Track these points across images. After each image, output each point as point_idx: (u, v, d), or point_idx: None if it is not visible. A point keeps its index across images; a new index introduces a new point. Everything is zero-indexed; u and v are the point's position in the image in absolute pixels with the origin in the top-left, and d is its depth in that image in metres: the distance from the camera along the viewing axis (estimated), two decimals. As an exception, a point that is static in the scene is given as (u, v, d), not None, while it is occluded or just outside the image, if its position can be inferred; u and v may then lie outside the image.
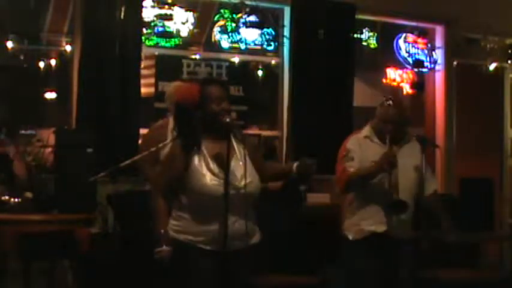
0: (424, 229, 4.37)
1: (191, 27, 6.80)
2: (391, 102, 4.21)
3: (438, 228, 4.30)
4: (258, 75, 7.56)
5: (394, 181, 4.02)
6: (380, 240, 4.11)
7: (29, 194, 5.19)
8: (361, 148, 4.17)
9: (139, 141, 5.19)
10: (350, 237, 4.17)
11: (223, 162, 3.26)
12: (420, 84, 8.09)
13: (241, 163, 3.27)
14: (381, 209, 4.10)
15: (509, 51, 8.21)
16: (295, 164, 3.47)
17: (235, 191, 3.23)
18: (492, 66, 7.97)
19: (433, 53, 7.86)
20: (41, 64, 7.37)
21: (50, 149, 5.61)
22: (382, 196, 4.06)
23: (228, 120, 3.29)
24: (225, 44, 7.01)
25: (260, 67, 7.52)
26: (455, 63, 7.89)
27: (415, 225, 4.25)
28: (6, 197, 5.10)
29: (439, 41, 7.93)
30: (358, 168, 4.09)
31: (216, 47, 7.05)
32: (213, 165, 3.27)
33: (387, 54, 7.99)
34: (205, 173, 3.25)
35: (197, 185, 3.24)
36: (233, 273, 3.28)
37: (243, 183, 3.24)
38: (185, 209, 3.30)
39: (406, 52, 7.81)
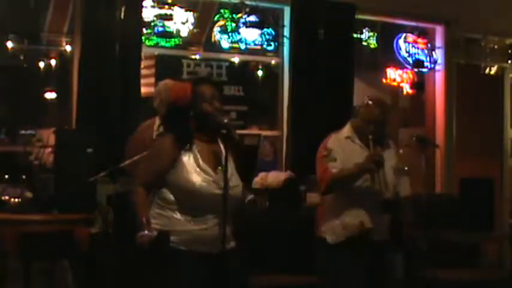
0: (423, 229, 4.37)
1: (191, 27, 6.80)
2: (373, 102, 4.13)
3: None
4: (258, 75, 7.56)
5: (383, 179, 3.91)
6: (358, 241, 4.02)
7: (29, 194, 5.19)
8: (343, 148, 4.08)
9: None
10: (329, 239, 4.05)
11: (219, 161, 3.26)
12: (420, 84, 8.09)
13: (229, 166, 3.25)
14: (362, 210, 4.01)
15: (509, 51, 8.22)
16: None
17: (220, 191, 3.20)
18: (493, 69, 7.99)
19: (433, 53, 7.86)
20: (41, 64, 7.37)
21: (50, 149, 5.60)
22: (368, 197, 3.96)
23: (226, 120, 3.28)
24: (225, 44, 7.01)
25: (260, 67, 7.52)
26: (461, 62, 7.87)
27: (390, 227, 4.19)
28: (6, 197, 5.10)
29: (439, 41, 7.93)
30: (341, 169, 4.00)
31: (216, 47, 7.05)
32: (203, 164, 3.25)
33: (387, 54, 7.99)
34: (195, 171, 3.23)
35: (184, 183, 3.22)
36: (215, 276, 3.25)
37: (230, 184, 3.21)
38: (168, 206, 3.27)
39: (406, 52, 7.81)
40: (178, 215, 3.25)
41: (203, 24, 7.11)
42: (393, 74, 8.06)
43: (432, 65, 7.87)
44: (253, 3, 6.77)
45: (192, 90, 3.35)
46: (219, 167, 3.25)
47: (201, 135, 3.32)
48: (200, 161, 3.26)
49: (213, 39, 7.05)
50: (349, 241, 4.01)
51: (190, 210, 3.24)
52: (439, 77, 7.92)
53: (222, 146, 3.29)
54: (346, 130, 4.19)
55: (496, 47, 8.03)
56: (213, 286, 3.26)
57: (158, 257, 3.27)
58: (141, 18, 6.32)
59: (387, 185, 3.95)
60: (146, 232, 3.18)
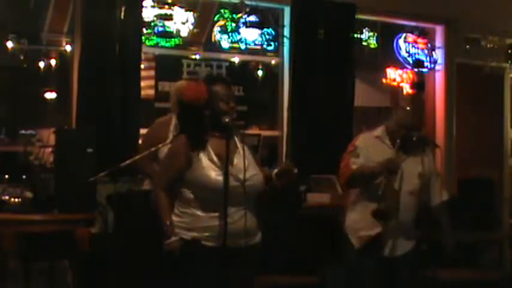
0: (424, 230, 4.36)
1: (191, 27, 6.79)
2: (410, 108, 4.22)
3: (439, 233, 4.30)
4: (258, 75, 7.55)
5: (396, 188, 4.00)
6: (379, 243, 4.08)
7: (29, 194, 5.19)
8: (370, 147, 4.14)
9: (141, 138, 5.22)
10: (353, 242, 4.14)
11: (234, 155, 3.32)
12: (420, 84, 8.09)
13: (244, 159, 3.30)
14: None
15: (509, 51, 8.22)
16: (274, 171, 3.46)
17: (239, 183, 3.27)
18: (493, 69, 7.99)
19: (433, 53, 7.87)
20: (41, 64, 7.35)
21: (50, 149, 5.60)
22: (376, 200, 4.02)
23: (227, 120, 3.31)
24: (225, 44, 7.01)
25: (260, 67, 7.51)
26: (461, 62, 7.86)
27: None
28: (6, 197, 5.10)
29: (439, 41, 7.94)
30: (361, 165, 4.06)
31: (216, 47, 7.04)
32: (217, 160, 3.31)
33: (387, 54, 7.99)
34: (209, 167, 3.29)
35: (201, 180, 3.28)
36: (235, 271, 3.29)
37: (247, 175, 3.27)
38: (190, 204, 3.33)
39: (406, 52, 7.81)
40: (201, 212, 3.30)
41: (203, 24, 7.10)
42: (393, 74, 8.05)
43: (432, 65, 7.88)
44: (253, 3, 6.77)
45: (208, 90, 3.38)
46: (234, 161, 3.31)
47: (214, 132, 3.37)
48: (214, 157, 3.31)
49: (213, 39, 7.05)
50: (368, 244, 4.08)
51: (212, 206, 3.28)
52: (439, 77, 7.92)
53: (236, 142, 3.37)
54: (379, 130, 4.25)
55: (496, 47, 8.03)
56: (229, 281, 3.29)
57: (185, 255, 3.29)
58: (141, 18, 6.32)
59: (398, 194, 3.99)
60: (173, 238, 3.22)
